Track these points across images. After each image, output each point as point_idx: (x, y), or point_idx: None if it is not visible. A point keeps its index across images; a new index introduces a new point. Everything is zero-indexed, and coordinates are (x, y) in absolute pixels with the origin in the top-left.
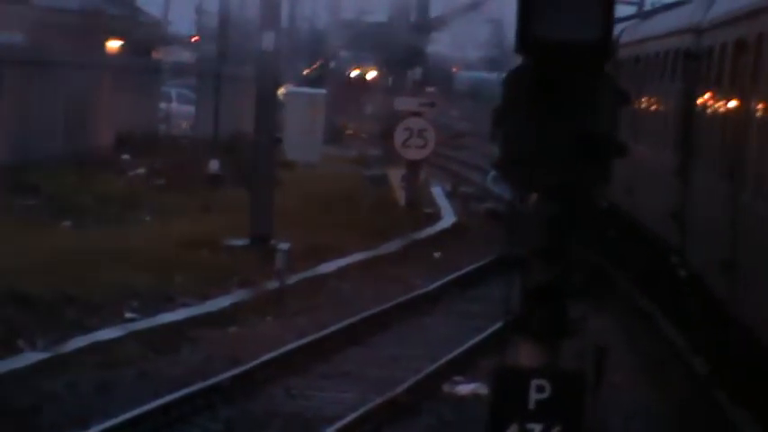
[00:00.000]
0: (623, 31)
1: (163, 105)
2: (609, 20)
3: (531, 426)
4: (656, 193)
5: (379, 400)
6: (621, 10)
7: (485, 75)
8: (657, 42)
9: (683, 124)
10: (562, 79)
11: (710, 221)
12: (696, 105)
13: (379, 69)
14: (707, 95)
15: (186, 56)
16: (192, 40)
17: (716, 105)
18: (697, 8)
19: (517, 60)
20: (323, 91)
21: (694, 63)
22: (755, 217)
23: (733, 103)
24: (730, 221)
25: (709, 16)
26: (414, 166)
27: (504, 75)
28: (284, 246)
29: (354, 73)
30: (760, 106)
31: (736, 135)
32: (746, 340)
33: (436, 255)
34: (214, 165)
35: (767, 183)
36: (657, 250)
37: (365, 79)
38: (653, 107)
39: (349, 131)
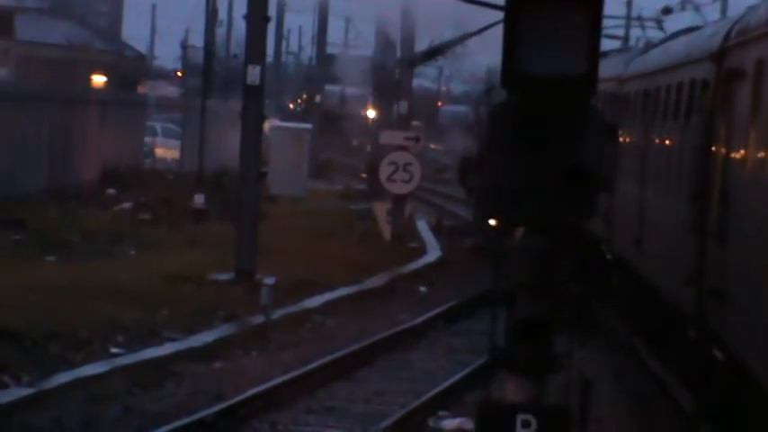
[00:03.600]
0: None
1: (148, 139)
2: (595, 54)
3: None
4: None
5: None
6: (606, 44)
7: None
8: None
9: None
10: (549, 113)
11: (628, 216)
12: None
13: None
14: (627, 127)
15: (171, 90)
16: (178, 74)
17: (632, 135)
18: (620, 63)
19: (500, 95)
20: (309, 125)
21: (618, 104)
22: (652, 206)
23: (641, 133)
24: (639, 213)
25: (628, 71)
26: (399, 201)
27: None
28: (270, 280)
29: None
30: (656, 135)
31: (643, 155)
32: (650, 293)
33: (422, 289)
34: (199, 199)
35: (661, 184)
36: (590, 242)
37: (351, 113)
38: None
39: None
